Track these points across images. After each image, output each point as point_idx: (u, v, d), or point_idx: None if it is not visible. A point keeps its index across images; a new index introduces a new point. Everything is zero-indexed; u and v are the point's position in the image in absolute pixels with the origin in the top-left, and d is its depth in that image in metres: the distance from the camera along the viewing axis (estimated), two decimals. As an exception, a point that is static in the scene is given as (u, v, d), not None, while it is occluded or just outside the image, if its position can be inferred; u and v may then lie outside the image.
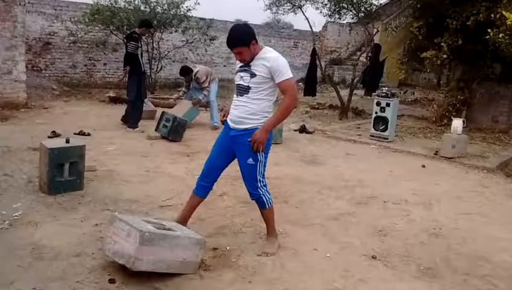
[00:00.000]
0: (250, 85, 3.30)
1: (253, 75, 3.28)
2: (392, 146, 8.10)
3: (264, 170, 3.45)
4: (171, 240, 2.97)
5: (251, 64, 3.29)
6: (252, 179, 3.40)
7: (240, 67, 3.37)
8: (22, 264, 3.04)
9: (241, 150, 3.36)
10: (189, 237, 3.10)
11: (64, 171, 4.38)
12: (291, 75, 3.27)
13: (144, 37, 8.33)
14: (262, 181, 3.44)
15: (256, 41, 3.29)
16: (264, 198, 3.45)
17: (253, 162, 3.35)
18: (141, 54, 7.89)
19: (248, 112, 3.32)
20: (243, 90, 3.34)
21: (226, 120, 3.50)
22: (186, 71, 8.65)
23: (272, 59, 3.24)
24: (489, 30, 8.05)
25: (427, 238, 4.09)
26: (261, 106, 3.32)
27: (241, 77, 3.35)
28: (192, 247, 3.06)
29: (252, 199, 3.49)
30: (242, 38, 3.25)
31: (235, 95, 3.42)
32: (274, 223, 3.59)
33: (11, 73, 8.98)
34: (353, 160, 7.01)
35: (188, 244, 3.04)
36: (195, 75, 8.53)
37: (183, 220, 3.64)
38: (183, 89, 9.07)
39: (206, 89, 8.56)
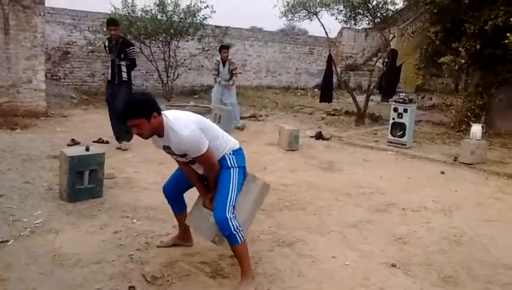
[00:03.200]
0: (192, 159, 3.04)
1: (183, 155, 3.01)
2: (410, 152, 8.02)
3: (235, 202, 3.05)
4: None
5: (169, 144, 2.97)
6: (222, 206, 2.98)
7: (165, 149, 3.05)
8: (43, 271, 3.08)
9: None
10: None
11: (84, 179, 4.44)
12: (204, 149, 2.90)
13: (113, 43, 6.88)
14: (233, 212, 3.00)
15: (159, 113, 2.88)
16: (234, 231, 2.95)
17: (225, 188, 3.02)
18: (112, 60, 6.96)
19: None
20: (191, 162, 3.10)
21: None
22: (227, 46, 9.91)
23: (178, 141, 2.89)
24: (508, 34, 7.93)
25: (447, 246, 4.03)
26: (216, 154, 3.06)
27: (178, 155, 3.05)
28: None
29: (223, 235, 3.00)
30: (137, 111, 2.79)
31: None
32: (249, 261, 3.11)
33: (31, 82, 9.15)
34: (371, 166, 6.95)
35: None
36: (230, 60, 9.58)
37: (186, 239, 3.61)
38: (214, 75, 9.85)
39: (236, 75, 9.73)
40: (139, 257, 3.38)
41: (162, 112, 2.91)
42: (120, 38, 6.96)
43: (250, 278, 3.06)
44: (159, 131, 2.91)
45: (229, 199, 2.99)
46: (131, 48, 7.00)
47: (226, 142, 3.15)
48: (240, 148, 3.22)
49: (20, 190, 4.67)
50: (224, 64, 9.56)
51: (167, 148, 3.03)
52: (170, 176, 3.51)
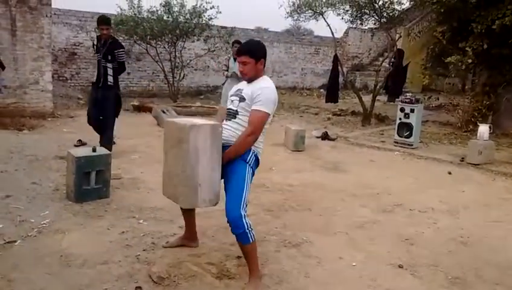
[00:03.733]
0: (238, 110, 3.13)
1: (242, 99, 3.13)
2: (416, 153, 7.98)
3: (247, 201, 3.04)
4: None
5: (244, 88, 3.18)
6: (236, 204, 2.96)
7: (235, 91, 3.23)
8: (51, 271, 3.09)
9: (229, 165, 3.09)
10: None
11: (90, 180, 4.46)
12: (268, 112, 3.06)
13: (102, 42, 6.32)
14: (246, 210, 3.00)
15: (264, 64, 3.21)
16: (247, 230, 2.95)
17: (240, 184, 3.02)
18: (98, 61, 6.40)
19: (234, 137, 3.10)
20: (231, 114, 3.18)
21: None
22: (240, 42, 9.44)
23: (262, 88, 3.10)
24: (515, 34, 7.89)
25: (455, 247, 4.00)
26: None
27: (232, 101, 3.21)
28: None
29: (234, 233, 2.99)
30: (254, 50, 3.17)
31: (225, 120, 3.25)
32: (258, 262, 3.11)
33: (38, 83, 9.21)
34: (377, 167, 6.93)
35: None
36: None
37: (192, 239, 3.62)
38: (224, 70, 9.60)
39: None
40: (146, 257, 3.39)
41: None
42: (110, 38, 6.36)
43: (257, 279, 3.06)
44: (256, 75, 3.17)
45: (243, 197, 2.97)
46: (120, 50, 6.31)
47: (261, 142, 3.21)
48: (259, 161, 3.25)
49: (27, 190, 4.69)
50: (235, 60, 9.56)
51: (236, 93, 3.20)
52: None
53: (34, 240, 3.57)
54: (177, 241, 3.63)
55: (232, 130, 3.12)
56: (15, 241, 3.50)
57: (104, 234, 3.76)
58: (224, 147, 3.07)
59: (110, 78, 6.24)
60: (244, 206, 2.97)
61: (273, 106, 3.14)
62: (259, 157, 3.22)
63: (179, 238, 3.67)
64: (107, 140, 6.21)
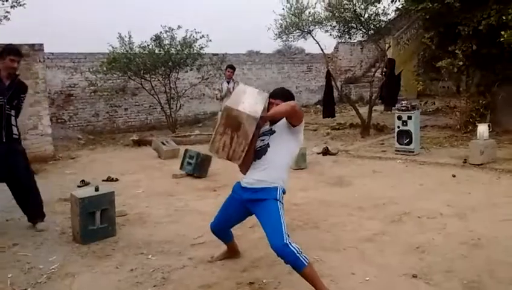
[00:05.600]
0: (269, 142, 3.36)
1: (272, 132, 3.39)
2: (418, 159, 7.98)
3: (287, 231, 3.15)
4: None
5: (269, 127, 3.43)
6: (278, 235, 3.07)
7: (261, 136, 3.42)
8: (63, 316, 3.06)
9: (260, 206, 3.30)
10: None
11: (96, 219, 4.45)
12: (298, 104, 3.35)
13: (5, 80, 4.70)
14: (289, 239, 3.09)
15: None
16: (298, 255, 3.03)
17: (276, 218, 3.17)
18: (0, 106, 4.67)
19: (263, 173, 3.32)
20: (262, 151, 3.37)
21: (236, 184, 3.56)
22: (232, 66, 10.17)
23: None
24: (502, 32, 7.96)
25: (467, 250, 3.97)
26: (277, 169, 3.34)
27: (262, 140, 3.40)
28: None
29: (287, 263, 3.06)
30: (288, 96, 3.50)
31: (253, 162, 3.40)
32: (321, 280, 3.12)
33: (37, 128, 9.26)
34: (381, 177, 6.92)
35: None
36: (234, 80, 9.90)
37: (234, 253, 3.92)
38: (216, 95, 10.02)
39: None
40: (157, 292, 3.36)
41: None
42: (17, 77, 4.80)
43: None
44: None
45: (282, 227, 3.10)
46: (25, 94, 4.94)
47: (288, 173, 3.44)
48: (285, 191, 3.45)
49: (33, 236, 4.68)
50: (228, 83, 9.74)
51: (263, 132, 3.44)
52: (217, 217, 3.70)
53: (44, 287, 3.54)
54: (221, 256, 3.91)
55: (261, 167, 3.35)
56: (25, 290, 3.48)
57: (113, 273, 3.73)
58: (252, 183, 3.34)
59: (15, 130, 4.79)
60: (287, 236, 3.07)
61: (301, 129, 3.42)
62: (284, 189, 3.41)
63: (222, 253, 3.92)
64: (35, 208, 4.99)
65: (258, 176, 3.32)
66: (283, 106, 3.27)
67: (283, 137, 3.35)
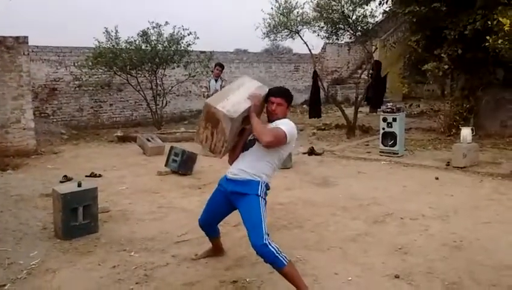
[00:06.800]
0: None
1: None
2: (403, 161, 8.05)
3: (267, 230, 3.15)
4: None
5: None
6: (258, 235, 3.08)
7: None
8: (43, 313, 3.02)
9: (242, 201, 3.31)
10: None
11: (78, 215, 4.39)
12: (287, 133, 3.26)
13: None
14: (269, 238, 3.10)
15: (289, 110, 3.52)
16: (277, 254, 3.04)
17: (257, 216, 3.18)
18: None
19: (247, 164, 3.33)
20: (250, 144, 3.38)
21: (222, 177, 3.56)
22: (221, 64, 9.91)
23: (284, 122, 3.34)
24: (488, 37, 8.07)
25: (448, 252, 4.01)
26: (262, 162, 3.32)
27: (253, 135, 3.38)
28: None
29: (267, 262, 3.09)
30: (289, 95, 3.51)
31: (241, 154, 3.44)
32: (301, 278, 3.14)
33: (20, 122, 9.11)
34: (365, 178, 6.96)
35: None
36: (222, 78, 9.67)
37: (218, 251, 3.90)
38: (204, 92, 9.86)
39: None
40: (139, 290, 3.33)
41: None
42: None
43: None
44: (284, 116, 3.43)
45: (262, 227, 3.11)
46: None
47: (273, 171, 3.43)
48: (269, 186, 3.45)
49: (14, 231, 4.61)
50: (216, 81, 9.62)
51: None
52: (204, 211, 3.70)
53: (24, 282, 3.49)
54: (205, 254, 3.91)
55: (245, 159, 3.36)
56: (4, 285, 3.42)
57: (95, 270, 3.69)
58: (235, 173, 3.34)
59: None
60: (266, 235, 3.08)
61: (293, 137, 3.35)
62: (268, 185, 3.41)
63: (206, 251, 3.91)
64: None
65: (242, 166, 3.35)
66: (267, 133, 3.21)
67: None
